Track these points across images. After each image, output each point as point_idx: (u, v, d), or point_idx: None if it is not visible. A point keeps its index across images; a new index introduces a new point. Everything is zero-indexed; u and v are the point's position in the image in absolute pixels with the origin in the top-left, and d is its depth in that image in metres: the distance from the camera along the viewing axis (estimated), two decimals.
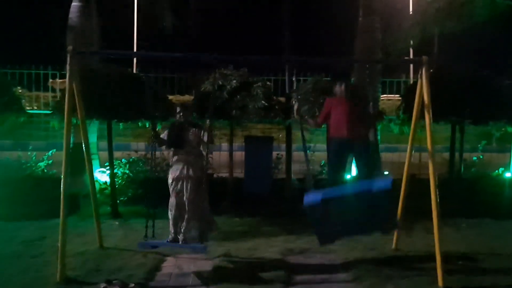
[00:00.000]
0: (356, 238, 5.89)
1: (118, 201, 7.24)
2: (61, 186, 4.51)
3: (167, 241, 5.14)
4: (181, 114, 5.31)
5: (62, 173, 4.56)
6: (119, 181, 7.77)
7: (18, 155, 8.59)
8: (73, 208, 7.06)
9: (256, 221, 6.85)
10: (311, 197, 4.26)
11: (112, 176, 7.18)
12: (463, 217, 7.11)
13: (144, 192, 7.62)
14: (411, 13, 12.58)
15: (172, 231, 5.20)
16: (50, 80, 11.01)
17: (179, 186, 5.20)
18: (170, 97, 9.30)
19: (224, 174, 8.68)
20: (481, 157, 9.07)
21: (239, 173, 8.70)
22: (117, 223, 6.65)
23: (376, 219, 4.45)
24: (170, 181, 5.26)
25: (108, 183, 7.53)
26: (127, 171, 8.02)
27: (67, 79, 4.61)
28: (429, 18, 9.99)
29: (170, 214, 5.23)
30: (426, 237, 5.98)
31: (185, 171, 5.16)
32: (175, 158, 5.28)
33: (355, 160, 5.29)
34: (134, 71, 10.69)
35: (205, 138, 5.17)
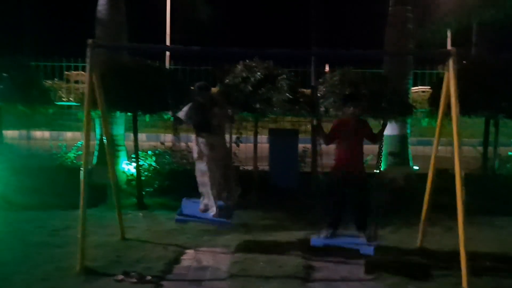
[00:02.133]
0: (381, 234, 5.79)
1: (144, 193, 7.32)
2: (81, 177, 4.56)
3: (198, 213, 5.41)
4: (201, 93, 5.28)
5: (82, 165, 4.62)
6: (145, 173, 7.85)
7: (49, 145, 8.85)
8: (102, 199, 7.21)
9: (280, 215, 6.78)
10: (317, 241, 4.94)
11: (138, 167, 7.26)
12: (496, 215, 6.81)
13: (170, 184, 7.74)
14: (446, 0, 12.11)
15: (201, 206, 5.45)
16: (66, 73, 11.27)
17: (203, 166, 5.31)
18: None
19: (250, 167, 8.65)
20: None
21: (264, 165, 8.65)
22: (141, 214, 6.74)
23: None
24: (195, 157, 5.41)
25: (134, 175, 7.62)
26: (154, 163, 8.09)
27: (87, 72, 4.65)
28: (466, 6, 9.60)
29: (200, 187, 5.44)
30: (454, 236, 5.75)
31: (209, 153, 5.22)
32: (199, 139, 5.33)
33: (351, 198, 5.14)
34: (167, 64, 10.79)
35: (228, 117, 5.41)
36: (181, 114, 5.38)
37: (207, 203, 5.47)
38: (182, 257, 4.90)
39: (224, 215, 5.32)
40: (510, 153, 8.58)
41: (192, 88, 6.82)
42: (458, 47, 4.61)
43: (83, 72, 11.76)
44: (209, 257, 4.91)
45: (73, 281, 4.15)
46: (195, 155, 5.44)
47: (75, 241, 4.87)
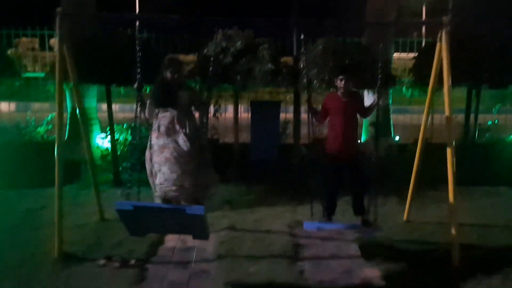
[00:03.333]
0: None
1: (120, 168, 7.04)
2: (55, 155, 4.26)
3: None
4: (172, 70, 4.13)
5: (56, 140, 4.30)
6: (121, 148, 7.54)
7: (17, 118, 8.37)
8: (75, 176, 6.91)
9: (263, 189, 6.65)
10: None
11: (113, 142, 6.95)
12: (477, 185, 6.88)
13: None
14: None
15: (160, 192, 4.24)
16: (51, 40, 10.67)
17: (162, 140, 4.14)
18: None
19: (230, 139, 8.45)
20: (496, 121, 8.72)
21: (245, 138, 8.46)
22: (119, 192, 6.47)
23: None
24: (152, 142, 4.27)
25: (109, 149, 7.31)
26: (129, 137, 7.78)
27: (57, 43, 4.30)
28: None
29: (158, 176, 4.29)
30: (439, 207, 5.79)
31: (172, 128, 4.09)
32: (160, 115, 4.18)
33: (350, 174, 4.80)
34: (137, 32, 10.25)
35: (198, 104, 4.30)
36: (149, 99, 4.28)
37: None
38: (165, 238, 4.71)
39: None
40: (489, 122, 8.63)
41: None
42: (433, 17, 4.44)
43: (35, 39, 11.15)
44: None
45: (52, 267, 3.92)
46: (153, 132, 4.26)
47: (51, 222, 4.61)
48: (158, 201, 4.23)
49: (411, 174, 5.26)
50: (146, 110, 4.27)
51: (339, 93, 4.65)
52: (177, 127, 4.14)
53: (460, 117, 7.95)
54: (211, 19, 4.46)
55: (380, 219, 5.34)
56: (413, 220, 5.30)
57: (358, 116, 4.86)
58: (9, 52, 10.05)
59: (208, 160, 4.33)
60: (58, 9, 4.18)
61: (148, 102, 4.26)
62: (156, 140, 4.23)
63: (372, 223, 4.64)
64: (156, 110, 4.25)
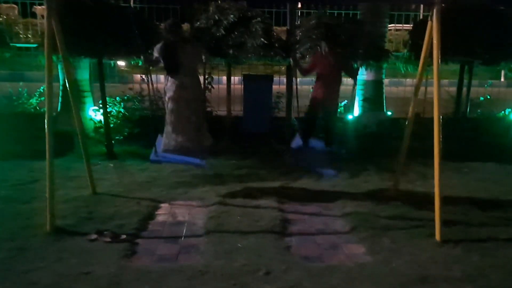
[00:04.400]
0: (355, 183, 5.85)
1: (113, 141, 7.06)
2: (45, 128, 4.26)
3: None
4: (172, 31, 5.12)
5: (46, 113, 4.30)
6: (114, 120, 7.55)
7: (8, 90, 8.32)
8: (69, 147, 6.93)
9: (253, 163, 6.72)
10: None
11: (106, 114, 6.94)
12: (465, 160, 6.97)
13: (140, 131, 7.48)
14: None
15: (173, 142, 5.40)
16: (34, 7, 10.48)
17: (175, 105, 5.25)
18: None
19: (223, 112, 8.45)
20: (488, 97, 8.75)
21: (238, 111, 8.47)
22: (111, 165, 6.52)
23: None
24: (166, 99, 5.35)
25: (102, 122, 7.31)
26: (122, 110, 7.77)
27: (45, 16, 4.24)
28: None
29: (169, 127, 5.38)
30: (426, 183, 5.88)
31: (181, 92, 5.16)
32: (170, 79, 5.25)
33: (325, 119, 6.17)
34: (132, 3, 10.11)
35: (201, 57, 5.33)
36: (154, 52, 5.28)
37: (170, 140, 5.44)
38: (156, 212, 4.79)
39: (197, 152, 5.38)
40: (481, 98, 8.66)
41: (161, 26, 6.44)
42: None
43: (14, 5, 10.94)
44: (185, 211, 4.82)
45: (43, 240, 3.97)
46: (167, 95, 5.36)
47: (42, 195, 4.66)
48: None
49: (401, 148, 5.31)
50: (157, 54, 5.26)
51: (325, 55, 5.00)
52: (184, 94, 5.19)
53: (453, 90, 7.96)
54: None
55: (368, 192, 5.51)
56: (399, 197, 5.37)
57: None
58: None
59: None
60: None
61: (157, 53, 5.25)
62: (167, 101, 5.35)
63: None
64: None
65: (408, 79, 13.03)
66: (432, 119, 4.29)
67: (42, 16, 13.75)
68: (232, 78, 7.86)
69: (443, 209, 4.22)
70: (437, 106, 4.27)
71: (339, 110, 7.16)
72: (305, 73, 5.96)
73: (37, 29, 11.69)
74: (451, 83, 8.39)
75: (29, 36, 12.63)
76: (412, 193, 5.54)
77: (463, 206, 5.11)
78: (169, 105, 5.34)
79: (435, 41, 4.23)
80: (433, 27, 4.30)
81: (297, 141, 6.29)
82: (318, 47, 5.92)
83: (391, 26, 10.91)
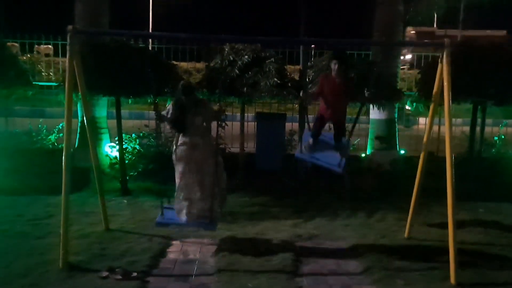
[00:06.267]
0: (368, 222, 5.79)
1: (128, 177, 7.16)
2: (63, 164, 4.37)
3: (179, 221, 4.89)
4: (185, 92, 4.89)
5: (64, 149, 4.41)
6: (129, 156, 7.68)
7: (28, 125, 8.55)
8: (85, 183, 7.05)
9: (266, 200, 6.73)
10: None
11: (121, 151, 7.08)
12: (481, 200, 6.88)
13: (154, 167, 7.58)
14: None
15: (184, 211, 4.90)
16: (36, 46, 10.89)
17: (185, 167, 4.91)
18: (185, 63, 8.91)
19: (236, 149, 8.53)
20: (502, 137, 8.69)
21: (251, 147, 8.54)
22: (125, 201, 6.60)
23: None
24: (175, 161, 4.97)
25: (117, 158, 7.44)
26: (137, 146, 7.91)
27: (67, 58, 4.42)
28: None
29: (180, 192, 4.95)
30: (441, 224, 5.79)
31: (190, 153, 4.86)
32: (181, 138, 4.99)
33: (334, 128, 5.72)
34: (151, 43, 10.48)
35: (212, 117, 5.00)
36: (165, 112, 5.01)
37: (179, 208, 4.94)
38: (168, 250, 4.80)
39: (207, 224, 4.82)
40: (496, 138, 8.60)
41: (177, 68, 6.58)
42: (445, 28, 4.49)
43: (50, 46, 11.38)
44: (196, 249, 4.83)
45: (56, 277, 4.01)
46: (174, 157, 4.98)
47: (57, 230, 4.73)
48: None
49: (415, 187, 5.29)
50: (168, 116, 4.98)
51: (333, 74, 5.19)
52: (193, 155, 4.86)
53: (467, 129, 7.93)
54: (218, 37, 4.54)
55: (381, 233, 5.44)
56: (414, 237, 5.32)
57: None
58: (24, 57, 10.31)
59: (223, 175, 5.08)
60: (69, 27, 4.30)
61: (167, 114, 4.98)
62: (175, 162, 4.97)
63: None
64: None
65: (422, 118, 13.05)
66: (445, 158, 4.30)
67: (46, 55, 14.32)
68: (246, 115, 7.98)
69: (458, 251, 4.16)
70: (448, 147, 4.29)
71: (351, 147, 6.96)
72: (315, 97, 5.77)
73: (58, 66, 12.14)
74: (465, 121, 8.37)
75: (51, 74, 13.10)
76: (427, 234, 5.47)
77: (479, 247, 5.02)
78: (178, 168, 4.96)
79: (445, 83, 4.29)
80: (443, 69, 4.37)
81: (306, 141, 5.62)
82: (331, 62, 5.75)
83: (403, 66, 11.08)
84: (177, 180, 4.99)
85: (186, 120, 4.88)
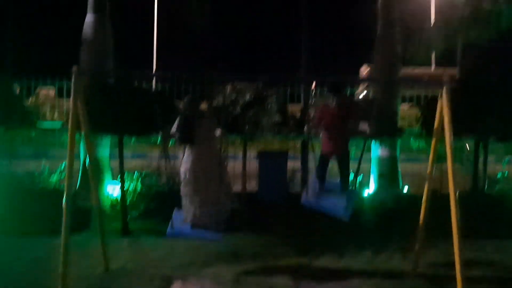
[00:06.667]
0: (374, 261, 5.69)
1: (129, 217, 7.10)
2: (63, 205, 4.36)
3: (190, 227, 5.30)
4: (190, 106, 5.32)
5: (65, 189, 4.42)
6: (131, 196, 7.65)
7: (31, 167, 8.59)
8: (86, 224, 6.99)
9: (269, 239, 6.62)
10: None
11: (123, 191, 7.05)
12: (487, 238, 6.76)
13: (156, 207, 7.54)
14: (433, 21, 12.21)
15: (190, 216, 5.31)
16: (38, 90, 11.13)
17: (191, 177, 5.25)
18: None
19: (238, 186, 8.50)
20: (505, 173, 8.67)
21: (253, 187, 8.51)
22: (126, 241, 6.51)
23: None
24: (182, 170, 5.35)
25: (119, 198, 7.41)
26: (139, 185, 7.90)
27: (71, 98, 4.50)
28: (452, 27, 9.64)
29: (186, 199, 5.34)
30: (448, 260, 5.66)
31: (197, 163, 5.19)
32: (186, 151, 5.32)
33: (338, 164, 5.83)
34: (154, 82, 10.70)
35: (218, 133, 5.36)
36: (173, 129, 5.46)
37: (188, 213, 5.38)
38: None
39: (214, 226, 5.26)
40: (499, 174, 8.57)
41: (180, 104, 6.69)
42: (443, 67, 4.60)
43: (50, 90, 11.63)
44: None
45: None
46: (183, 167, 5.37)
47: (55, 273, 4.65)
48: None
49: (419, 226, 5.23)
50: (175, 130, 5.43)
51: (331, 106, 5.38)
52: (199, 166, 5.23)
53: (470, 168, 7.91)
54: (221, 75, 4.69)
55: (389, 270, 5.34)
56: (422, 273, 5.21)
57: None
58: (29, 101, 10.48)
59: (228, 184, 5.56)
60: (74, 68, 4.40)
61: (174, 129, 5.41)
62: (184, 172, 5.37)
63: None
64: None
65: (424, 155, 13.03)
66: (449, 196, 4.27)
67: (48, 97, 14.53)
68: (247, 155, 8.00)
69: None
70: (452, 183, 4.28)
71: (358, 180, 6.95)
72: (315, 126, 5.86)
73: (62, 109, 12.29)
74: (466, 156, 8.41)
75: (55, 116, 13.27)
76: (434, 272, 5.36)
77: (487, 286, 4.90)
78: (185, 177, 5.34)
79: (446, 119, 4.33)
80: (443, 105, 4.42)
81: (313, 187, 5.85)
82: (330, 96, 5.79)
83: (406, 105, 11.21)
84: (183, 189, 5.38)
85: (192, 132, 5.22)
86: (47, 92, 12.95)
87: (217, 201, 5.39)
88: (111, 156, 8.50)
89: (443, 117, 4.48)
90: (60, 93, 11.06)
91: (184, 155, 5.41)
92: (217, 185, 5.33)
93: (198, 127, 5.24)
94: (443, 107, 4.39)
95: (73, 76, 4.41)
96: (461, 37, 9.47)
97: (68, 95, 10.71)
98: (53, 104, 13.61)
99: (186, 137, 5.27)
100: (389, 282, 4.98)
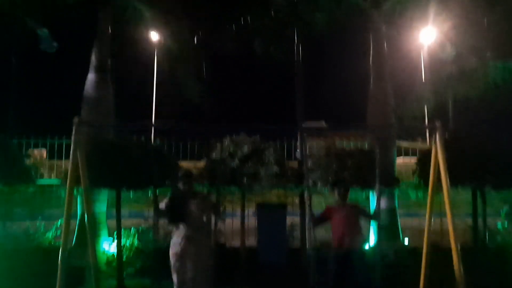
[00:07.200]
0: None
1: (125, 274, 6.93)
2: (59, 263, 4.29)
3: None
4: (184, 181, 4.97)
5: (61, 246, 4.36)
6: (127, 252, 7.50)
7: (27, 225, 8.48)
8: (80, 282, 6.81)
9: None
10: None
11: (119, 248, 6.94)
12: None
13: (153, 264, 7.37)
14: (423, 78, 12.66)
15: None
16: (30, 150, 11.19)
17: (180, 263, 4.87)
18: (186, 163, 9.17)
19: (236, 243, 8.35)
20: (505, 224, 8.60)
21: (252, 241, 8.37)
22: None
23: None
24: (171, 256, 4.96)
25: (115, 255, 7.27)
26: (136, 242, 7.78)
27: (71, 150, 4.56)
28: (441, 83, 9.98)
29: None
30: None
31: (187, 247, 4.82)
32: (177, 231, 4.96)
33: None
34: (152, 138, 10.84)
35: (212, 211, 4.99)
36: (162, 205, 5.05)
37: None
38: None
39: None
40: (499, 225, 8.51)
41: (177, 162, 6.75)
42: (436, 121, 4.71)
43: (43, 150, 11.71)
44: None
45: None
46: (172, 250, 4.94)
47: None
48: None
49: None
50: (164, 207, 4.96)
51: (338, 205, 5.19)
52: (188, 250, 4.82)
53: (470, 220, 7.87)
54: (219, 126, 4.79)
55: None
56: None
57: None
58: (27, 161, 10.52)
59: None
60: (75, 119, 4.51)
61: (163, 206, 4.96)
62: (174, 260, 4.96)
63: None
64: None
65: (423, 210, 12.97)
66: (450, 248, 4.25)
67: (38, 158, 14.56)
68: (246, 210, 7.94)
69: None
70: (452, 235, 4.25)
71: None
72: (316, 224, 5.55)
73: (61, 169, 12.30)
74: (467, 215, 8.38)
75: (53, 175, 13.24)
76: None
77: None
78: (173, 263, 4.93)
79: (441, 163, 4.39)
80: (438, 151, 4.50)
81: None
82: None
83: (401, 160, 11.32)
84: (173, 275, 4.96)
85: (183, 211, 4.86)
86: (39, 152, 13.01)
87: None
88: (107, 216, 8.44)
89: (438, 166, 4.55)
90: (51, 154, 11.15)
91: (173, 235, 5.04)
92: (207, 273, 4.90)
93: (190, 205, 4.90)
94: (438, 153, 4.47)
95: (73, 127, 4.49)
96: (450, 92, 9.80)
97: (60, 155, 10.81)
98: (45, 164, 13.66)
99: (176, 217, 4.91)
100: None
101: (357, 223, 5.33)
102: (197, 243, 4.82)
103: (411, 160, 11.20)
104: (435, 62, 10.72)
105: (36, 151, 13.25)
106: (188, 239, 4.81)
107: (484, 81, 9.37)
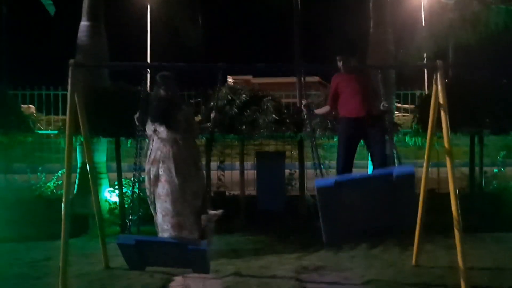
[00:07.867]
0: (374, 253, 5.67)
1: (127, 221, 7.05)
2: (63, 207, 4.35)
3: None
4: (164, 86, 4.28)
5: (64, 193, 4.41)
6: (129, 201, 7.60)
7: (28, 176, 8.55)
8: (83, 229, 6.94)
9: (269, 238, 6.59)
10: (323, 181, 3.78)
11: (121, 195, 7.03)
12: (487, 231, 6.75)
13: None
14: (423, 24, 12.41)
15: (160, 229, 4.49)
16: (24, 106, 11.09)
17: (156, 170, 4.24)
18: None
19: (236, 192, 8.48)
20: (502, 169, 8.69)
21: (251, 190, 8.49)
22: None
23: (399, 215, 3.90)
24: (147, 168, 4.39)
25: (117, 203, 7.37)
26: (137, 190, 7.84)
27: (68, 94, 4.50)
28: (442, 29, 9.80)
29: (159, 214, 4.67)
30: (448, 253, 5.67)
31: (166, 150, 4.13)
32: (155, 139, 4.29)
33: (368, 146, 5.00)
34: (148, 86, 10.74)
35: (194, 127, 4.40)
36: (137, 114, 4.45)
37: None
38: (170, 285, 4.66)
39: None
40: (496, 170, 8.60)
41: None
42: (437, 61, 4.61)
43: (31, 105, 11.62)
44: (199, 284, 4.69)
45: None
46: (150, 158, 4.32)
47: (55, 272, 4.61)
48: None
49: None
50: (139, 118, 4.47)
51: (342, 72, 4.87)
52: (171, 153, 4.29)
53: (466, 169, 7.94)
54: (216, 65, 4.58)
55: (388, 263, 5.31)
56: (422, 265, 5.19)
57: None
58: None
59: (204, 191, 4.59)
60: (71, 61, 4.43)
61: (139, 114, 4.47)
62: (149, 167, 4.53)
63: None
64: (152, 128, 4.41)
65: (420, 160, 13.07)
66: (448, 194, 4.29)
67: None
68: (246, 162, 7.99)
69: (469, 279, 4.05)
70: (451, 175, 4.27)
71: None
72: (330, 106, 5.04)
73: (58, 124, 12.26)
74: (464, 163, 8.43)
75: (50, 128, 13.21)
76: (435, 261, 5.34)
77: (488, 273, 4.90)
78: (153, 172, 4.30)
79: (441, 101, 4.36)
80: (439, 91, 4.46)
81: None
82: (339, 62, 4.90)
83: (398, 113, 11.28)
84: (153, 198, 4.70)
85: (165, 110, 4.24)
86: (28, 107, 12.92)
87: (200, 211, 4.40)
88: (107, 169, 8.48)
89: (437, 110, 4.52)
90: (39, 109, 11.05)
91: (151, 143, 4.34)
92: (200, 185, 4.37)
93: (172, 109, 4.24)
94: (439, 93, 4.43)
95: (69, 70, 4.42)
96: (452, 38, 9.63)
97: (48, 111, 10.68)
98: (48, 119, 13.61)
99: (159, 116, 4.18)
100: (390, 269, 4.96)
101: (371, 93, 4.84)
102: (183, 147, 4.21)
103: (410, 106, 11.21)
104: (436, 7, 10.47)
105: (25, 106, 13.15)
106: (172, 140, 4.18)
107: (485, 25, 9.21)
